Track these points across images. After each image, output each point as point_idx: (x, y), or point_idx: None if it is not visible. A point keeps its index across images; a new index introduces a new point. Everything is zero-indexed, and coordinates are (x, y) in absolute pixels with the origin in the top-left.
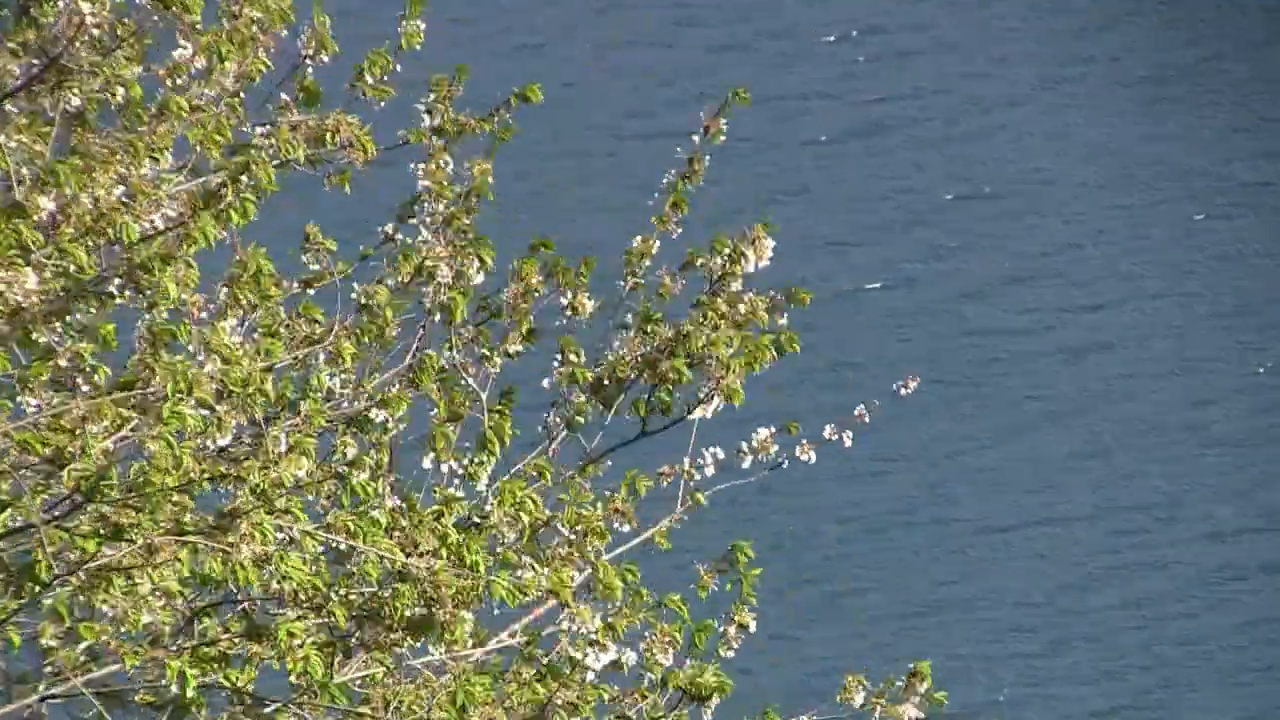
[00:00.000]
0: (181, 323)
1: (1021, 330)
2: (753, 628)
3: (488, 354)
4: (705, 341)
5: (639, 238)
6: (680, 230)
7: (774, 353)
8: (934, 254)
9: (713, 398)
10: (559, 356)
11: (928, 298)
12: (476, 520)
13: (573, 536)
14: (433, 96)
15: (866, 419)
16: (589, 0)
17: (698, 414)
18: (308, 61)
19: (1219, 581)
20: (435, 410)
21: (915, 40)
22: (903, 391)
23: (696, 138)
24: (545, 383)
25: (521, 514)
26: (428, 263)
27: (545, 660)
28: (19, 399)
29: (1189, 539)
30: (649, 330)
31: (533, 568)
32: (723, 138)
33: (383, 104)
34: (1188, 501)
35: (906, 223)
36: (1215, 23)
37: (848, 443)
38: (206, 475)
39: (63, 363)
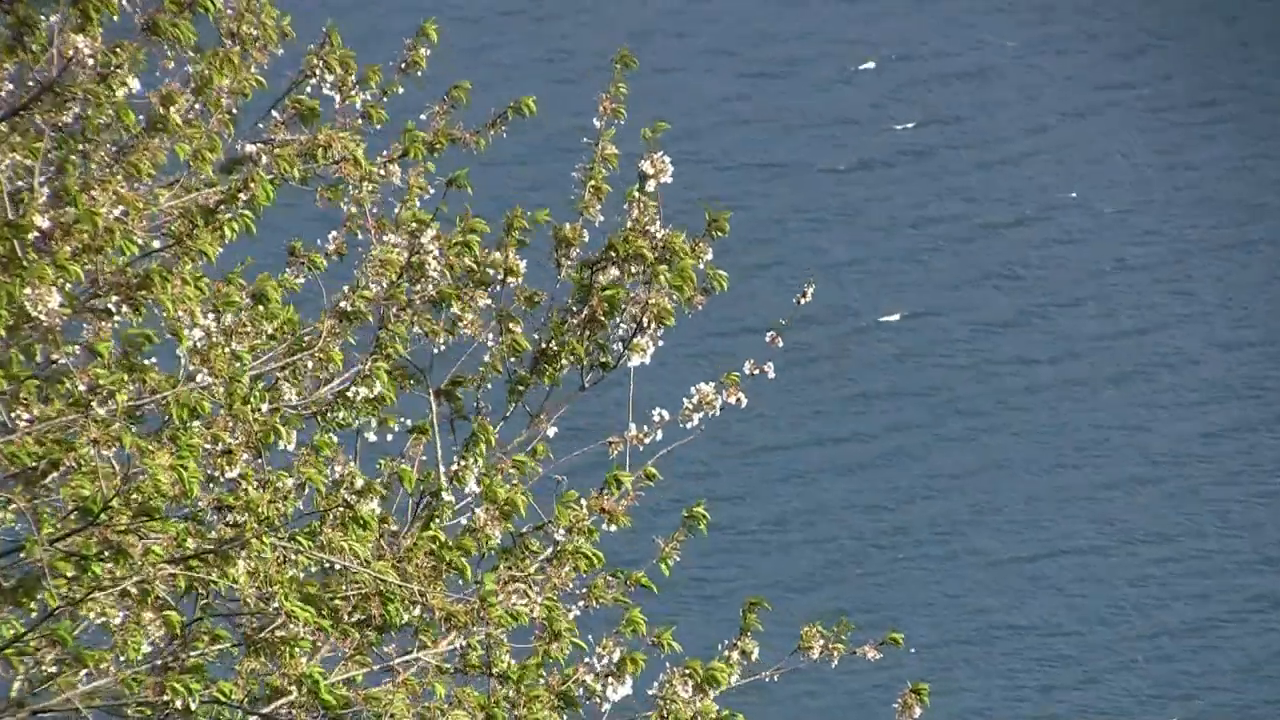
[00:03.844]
0: (179, 332)
1: (1050, 359)
2: (755, 655)
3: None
4: (630, 251)
5: (567, 224)
6: (601, 219)
7: (698, 282)
8: (963, 282)
9: (645, 324)
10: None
11: (959, 326)
12: (463, 522)
13: (563, 539)
14: (436, 109)
15: (780, 343)
16: (622, 26)
17: (636, 359)
18: (310, 77)
19: (1254, 611)
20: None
21: (947, 65)
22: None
23: (597, 121)
24: (485, 357)
25: (508, 516)
26: (414, 258)
27: (562, 688)
28: (13, 413)
29: (1225, 569)
30: (585, 290)
31: (527, 594)
32: (623, 117)
33: (379, 126)
34: (1222, 530)
35: (935, 250)
36: (1256, 46)
37: (770, 374)
38: (214, 504)
39: (80, 385)
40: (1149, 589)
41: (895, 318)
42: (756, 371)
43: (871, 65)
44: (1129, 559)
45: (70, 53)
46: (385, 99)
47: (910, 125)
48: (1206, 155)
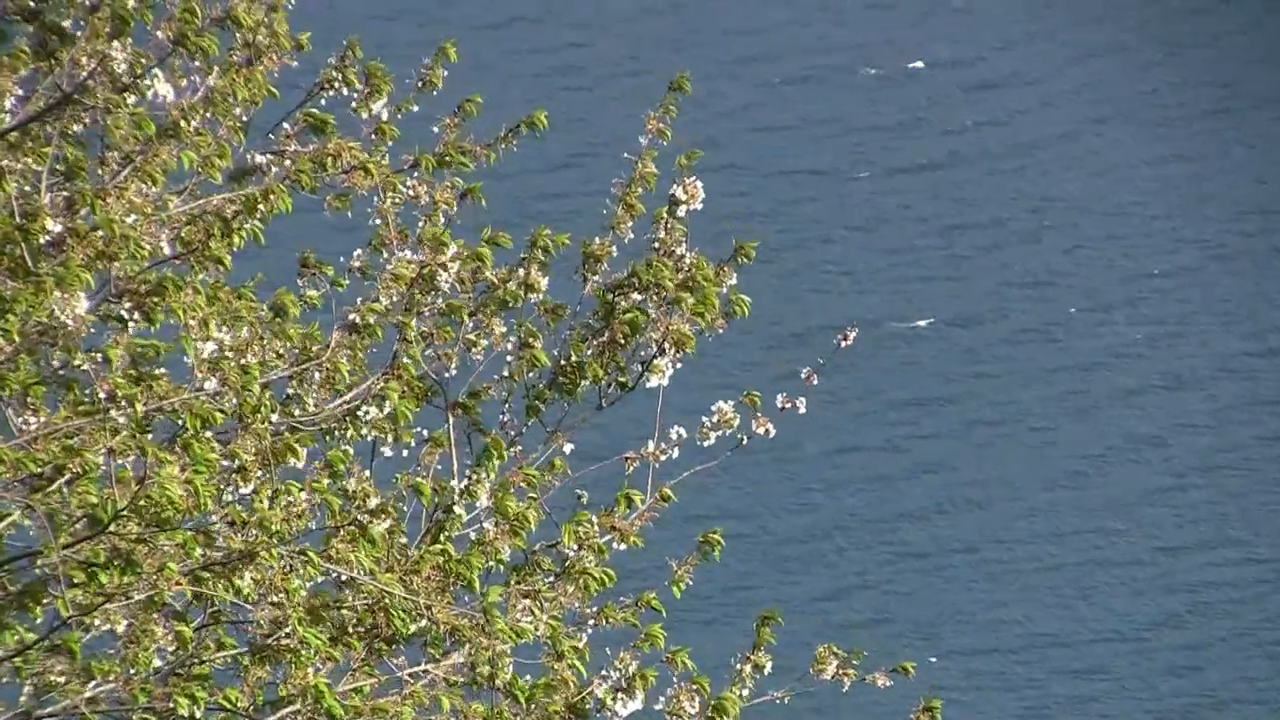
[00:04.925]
0: (185, 338)
1: (1076, 368)
2: (768, 669)
3: (473, 340)
4: (653, 280)
5: (596, 239)
6: (631, 236)
7: (720, 306)
8: (988, 290)
9: (663, 349)
10: (516, 339)
11: (985, 334)
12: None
13: (572, 554)
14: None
15: (815, 380)
16: (658, 33)
17: (654, 380)
18: (327, 89)
19: None
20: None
21: (971, 74)
22: (843, 344)
23: (642, 139)
24: (505, 371)
25: (518, 531)
26: (425, 271)
27: (576, 700)
28: (21, 418)
29: (1256, 578)
30: (608, 312)
31: (533, 612)
32: (667, 137)
33: (391, 141)
34: (1254, 541)
35: (960, 258)
36: (1277, 53)
37: (801, 409)
38: (226, 519)
39: (100, 393)
40: (1179, 598)
41: (921, 325)
42: (788, 406)
43: (894, 74)
44: (1158, 569)
45: (89, 62)
46: (400, 115)
47: (934, 134)
48: (1228, 162)
